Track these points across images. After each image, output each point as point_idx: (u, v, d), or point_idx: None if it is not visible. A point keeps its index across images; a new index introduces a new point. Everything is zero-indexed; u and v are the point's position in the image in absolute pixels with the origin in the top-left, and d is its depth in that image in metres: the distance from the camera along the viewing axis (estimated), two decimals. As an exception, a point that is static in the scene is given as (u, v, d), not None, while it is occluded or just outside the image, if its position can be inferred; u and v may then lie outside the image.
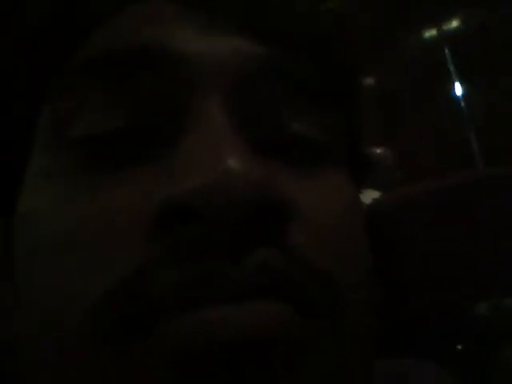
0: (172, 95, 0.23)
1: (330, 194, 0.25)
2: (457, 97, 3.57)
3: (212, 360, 0.19)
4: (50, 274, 0.22)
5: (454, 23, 3.62)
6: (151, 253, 0.20)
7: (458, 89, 3.57)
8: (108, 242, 0.21)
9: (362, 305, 0.24)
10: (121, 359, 0.20)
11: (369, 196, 2.09)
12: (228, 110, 0.23)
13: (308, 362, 0.21)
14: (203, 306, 0.19)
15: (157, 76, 0.23)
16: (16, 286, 0.24)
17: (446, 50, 3.58)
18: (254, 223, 0.20)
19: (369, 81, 4.11)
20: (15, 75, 0.27)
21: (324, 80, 0.27)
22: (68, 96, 0.24)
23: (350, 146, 0.30)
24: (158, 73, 0.23)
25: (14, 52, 0.27)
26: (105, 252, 0.21)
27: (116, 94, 0.23)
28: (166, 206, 0.20)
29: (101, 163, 0.23)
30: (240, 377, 0.19)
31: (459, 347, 0.99)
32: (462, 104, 3.54)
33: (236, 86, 0.24)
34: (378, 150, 2.58)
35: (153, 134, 0.23)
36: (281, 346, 0.20)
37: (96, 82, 0.23)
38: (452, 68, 3.57)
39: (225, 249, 0.20)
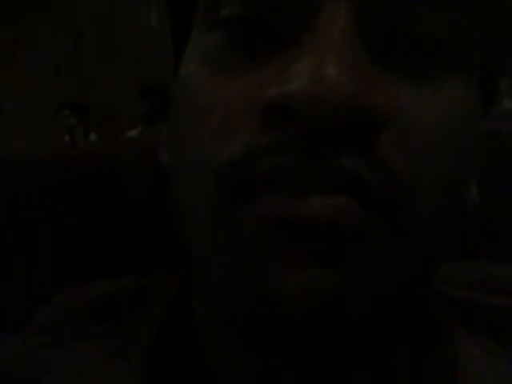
0: None
1: (436, 104, 0.25)
2: None
3: (288, 237, 0.23)
4: (187, 135, 0.27)
5: None
6: (260, 139, 0.24)
7: None
8: (231, 121, 0.25)
9: (435, 216, 0.25)
10: (230, 216, 0.24)
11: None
12: (352, 14, 0.24)
13: (366, 250, 0.24)
14: (289, 192, 0.23)
15: None
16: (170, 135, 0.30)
17: None
18: (340, 131, 0.22)
19: None
20: None
21: None
22: None
23: (486, 55, 0.29)
24: None
25: None
26: (227, 129, 0.25)
27: None
28: (270, 104, 0.23)
29: (236, 48, 0.26)
30: (307, 255, 0.23)
31: None
32: None
33: None
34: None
35: (283, 28, 0.25)
36: (342, 233, 0.23)
37: None
38: None
39: (314, 150, 0.23)
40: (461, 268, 0.41)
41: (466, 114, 0.27)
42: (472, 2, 0.27)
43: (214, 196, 0.25)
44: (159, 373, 0.32)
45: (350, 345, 0.26)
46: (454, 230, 0.28)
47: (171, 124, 0.30)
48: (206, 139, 0.25)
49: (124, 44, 4.86)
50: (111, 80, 4.92)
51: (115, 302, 0.39)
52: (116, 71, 4.88)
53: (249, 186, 0.24)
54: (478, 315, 0.36)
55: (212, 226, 0.25)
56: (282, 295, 0.23)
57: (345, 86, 0.22)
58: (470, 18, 0.27)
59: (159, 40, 3.55)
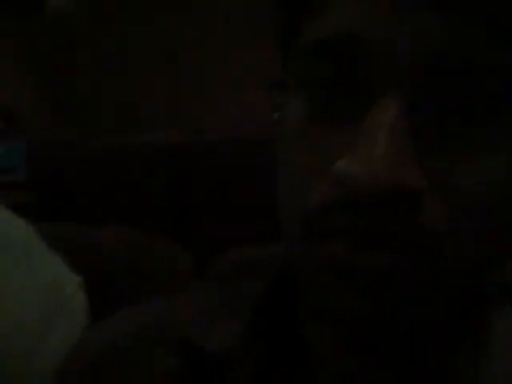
0: (367, 79, 0.31)
1: (476, 166, 0.30)
2: None
3: (348, 277, 0.31)
4: (284, 178, 0.36)
5: None
6: (329, 198, 0.31)
7: None
8: (312, 175, 0.33)
9: (465, 263, 0.31)
10: (309, 249, 0.33)
11: None
12: (405, 105, 0.30)
13: (399, 288, 0.30)
14: (348, 245, 0.30)
15: (360, 59, 0.31)
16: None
17: None
18: (384, 203, 0.29)
19: None
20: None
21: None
22: (301, 59, 0.34)
23: None
24: (361, 57, 0.31)
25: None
26: (310, 180, 0.33)
27: (328, 64, 0.32)
28: (334, 176, 0.31)
29: (321, 114, 0.33)
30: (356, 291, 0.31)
31: None
32: None
33: (420, 81, 0.30)
34: None
35: (353, 102, 0.32)
36: (384, 279, 0.30)
37: (318, 55, 0.33)
38: None
39: (364, 214, 0.30)
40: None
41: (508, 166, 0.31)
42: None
43: (300, 230, 0.34)
44: (264, 324, 0.41)
45: (395, 343, 0.34)
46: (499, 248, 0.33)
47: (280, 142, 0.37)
48: (296, 184, 0.34)
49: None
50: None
51: (257, 264, 0.48)
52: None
53: (321, 233, 0.32)
54: None
55: (299, 245, 0.34)
56: (344, 312, 0.32)
57: (384, 173, 0.28)
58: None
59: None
